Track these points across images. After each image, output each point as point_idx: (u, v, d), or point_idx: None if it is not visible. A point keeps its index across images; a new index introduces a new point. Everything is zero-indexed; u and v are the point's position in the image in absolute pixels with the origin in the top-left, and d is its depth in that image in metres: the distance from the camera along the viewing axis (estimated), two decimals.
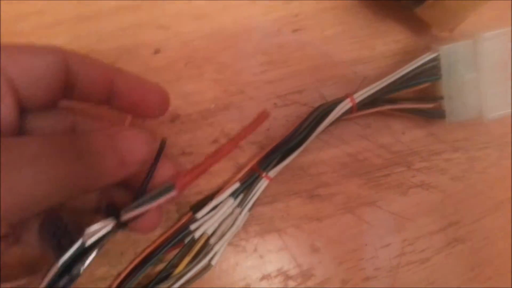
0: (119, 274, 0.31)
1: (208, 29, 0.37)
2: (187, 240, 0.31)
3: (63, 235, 0.24)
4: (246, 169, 0.33)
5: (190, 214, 0.32)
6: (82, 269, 0.26)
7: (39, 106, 0.24)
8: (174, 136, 0.34)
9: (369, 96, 0.34)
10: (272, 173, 0.33)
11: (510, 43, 0.34)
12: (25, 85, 0.23)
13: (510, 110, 0.35)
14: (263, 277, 0.33)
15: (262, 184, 0.32)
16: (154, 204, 0.25)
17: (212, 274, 0.32)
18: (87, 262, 0.25)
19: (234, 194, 0.32)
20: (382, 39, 0.39)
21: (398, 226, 0.36)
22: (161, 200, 0.25)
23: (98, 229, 0.24)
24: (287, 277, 0.33)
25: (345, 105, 0.34)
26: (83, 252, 0.25)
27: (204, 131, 0.35)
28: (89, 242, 0.24)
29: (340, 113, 0.34)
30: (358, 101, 0.34)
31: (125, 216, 0.25)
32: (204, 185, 0.34)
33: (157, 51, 0.35)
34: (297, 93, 0.36)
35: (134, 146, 0.24)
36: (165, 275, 0.31)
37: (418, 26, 0.39)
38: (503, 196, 0.38)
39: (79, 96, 0.26)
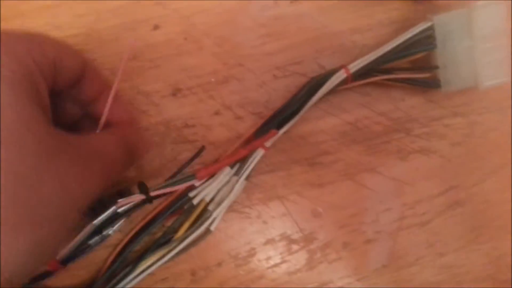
0: (121, 240, 0.35)
1: (206, 3, 0.40)
2: (186, 206, 0.35)
3: (99, 206, 0.31)
4: (242, 140, 0.37)
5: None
6: (111, 231, 0.33)
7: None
8: (176, 109, 0.38)
9: (363, 67, 0.38)
10: (268, 143, 0.36)
11: (505, 12, 0.37)
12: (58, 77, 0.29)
13: (506, 79, 0.38)
14: (267, 242, 0.37)
15: (258, 153, 0.36)
16: (177, 187, 0.34)
17: (218, 239, 0.37)
18: (116, 226, 0.33)
19: (231, 163, 0.36)
20: (380, 7, 0.42)
21: (398, 190, 0.40)
22: (183, 185, 0.34)
23: (130, 200, 0.32)
24: (291, 241, 0.37)
25: (340, 75, 0.37)
26: (114, 218, 0.32)
27: (206, 104, 0.39)
28: (121, 209, 0.32)
29: (334, 83, 0.37)
30: (352, 71, 0.37)
31: (153, 193, 0.33)
32: (208, 156, 0.38)
33: (156, 27, 0.39)
34: (296, 64, 0.40)
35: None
36: (166, 239, 0.35)
37: None
38: (503, 160, 0.42)
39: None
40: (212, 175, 0.35)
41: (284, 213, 0.38)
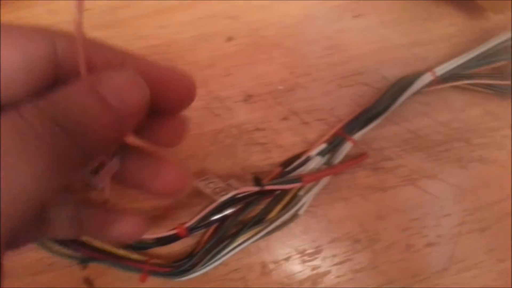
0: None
1: (274, 17, 0.43)
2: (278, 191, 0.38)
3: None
4: (332, 132, 0.39)
5: (280, 169, 0.39)
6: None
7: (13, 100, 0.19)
8: (247, 114, 0.41)
9: (449, 71, 0.40)
10: (356, 136, 0.39)
11: None
12: None
13: None
14: (333, 240, 0.38)
15: (347, 146, 0.39)
16: (285, 187, 0.37)
17: (287, 235, 0.38)
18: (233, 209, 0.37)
19: (321, 153, 0.38)
20: (439, 23, 0.44)
21: (459, 197, 0.40)
22: (290, 185, 0.37)
23: (247, 189, 0.36)
24: (355, 241, 0.39)
25: (427, 77, 0.40)
26: (232, 202, 0.36)
27: (275, 109, 0.41)
28: (238, 196, 0.36)
29: (421, 84, 0.40)
30: (438, 74, 0.40)
31: (267, 188, 0.36)
32: (276, 157, 0.40)
33: (229, 39, 0.42)
34: (359, 74, 0.42)
35: (126, 93, 0.19)
36: (259, 219, 0.37)
37: (473, 9, 0.44)
38: None
39: None
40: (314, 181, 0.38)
41: (349, 215, 0.40)
